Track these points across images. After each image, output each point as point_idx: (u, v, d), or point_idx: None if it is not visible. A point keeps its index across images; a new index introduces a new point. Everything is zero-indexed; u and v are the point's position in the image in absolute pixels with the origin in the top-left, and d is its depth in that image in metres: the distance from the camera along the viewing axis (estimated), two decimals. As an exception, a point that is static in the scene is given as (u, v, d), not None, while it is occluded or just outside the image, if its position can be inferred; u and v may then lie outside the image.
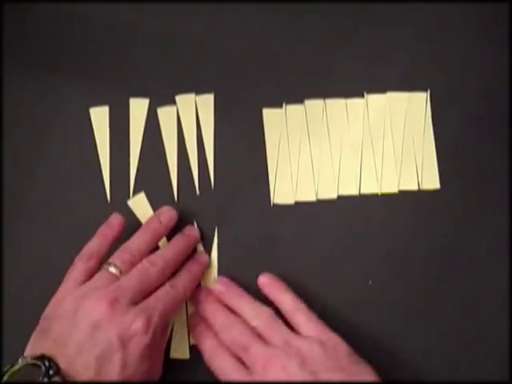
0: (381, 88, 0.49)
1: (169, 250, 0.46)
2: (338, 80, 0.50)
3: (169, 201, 0.50)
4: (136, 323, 0.42)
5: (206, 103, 0.50)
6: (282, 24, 0.51)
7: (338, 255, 0.48)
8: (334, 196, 0.49)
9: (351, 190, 0.49)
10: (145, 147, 0.51)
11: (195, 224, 0.49)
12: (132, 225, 0.48)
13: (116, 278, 0.44)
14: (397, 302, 0.47)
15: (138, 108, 0.51)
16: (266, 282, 0.46)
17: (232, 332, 0.44)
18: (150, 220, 0.48)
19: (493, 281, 0.47)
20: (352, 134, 0.49)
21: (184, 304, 0.48)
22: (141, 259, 0.45)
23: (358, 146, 0.49)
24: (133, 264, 0.45)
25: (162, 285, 0.45)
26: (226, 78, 0.51)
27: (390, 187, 0.48)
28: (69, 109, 0.52)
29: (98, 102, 0.52)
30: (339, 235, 0.48)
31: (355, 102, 0.49)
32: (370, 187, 0.48)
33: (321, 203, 0.49)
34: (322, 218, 0.48)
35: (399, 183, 0.48)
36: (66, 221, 0.50)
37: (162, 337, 0.44)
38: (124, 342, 0.41)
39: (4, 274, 0.50)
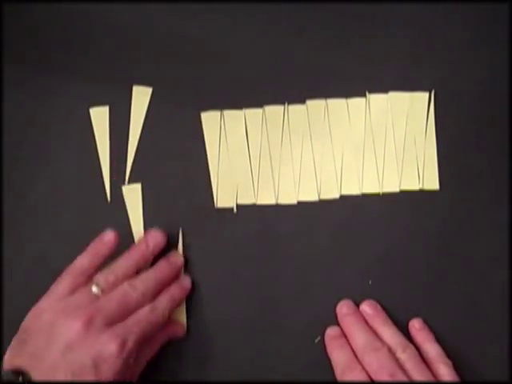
0: (382, 88, 0.49)
1: (152, 276, 0.46)
2: (340, 80, 0.50)
3: (169, 200, 0.50)
4: (110, 346, 0.42)
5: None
6: (283, 24, 0.51)
7: (338, 255, 0.48)
8: (337, 196, 0.49)
9: (353, 189, 0.49)
10: (145, 147, 0.51)
11: (180, 232, 0.49)
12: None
13: (97, 297, 0.44)
14: (397, 302, 0.47)
15: (139, 106, 0.51)
16: (418, 326, 0.46)
17: (379, 355, 0.43)
18: (139, 244, 0.48)
19: (493, 281, 0.47)
20: (354, 133, 0.49)
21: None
22: (124, 281, 0.45)
23: (359, 145, 0.49)
24: (116, 286, 0.45)
25: (141, 306, 0.45)
26: (227, 78, 0.51)
27: (392, 187, 0.48)
28: (69, 109, 0.52)
29: (98, 102, 0.52)
30: (340, 235, 0.48)
31: (357, 102, 0.50)
32: (372, 187, 0.48)
33: (322, 203, 0.49)
34: (324, 218, 0.48)
35: (400, 183, 0.48)
36: (65, 221, 0.50)
37: (135, 360, 0.44)
38: (97, 364, 0.41)
39: (4, 273, 0.50)
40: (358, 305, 0.47)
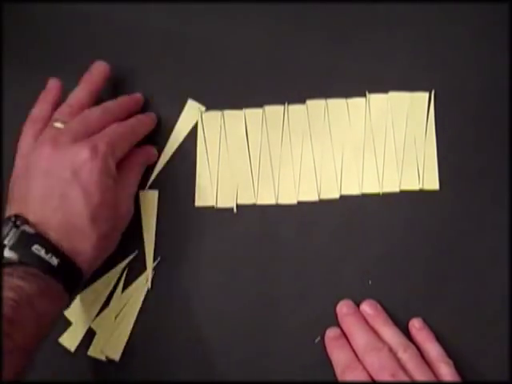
0: (382, 88, 0.49)
1: (110, 102, 0.48)
2: (340, 80, 0.50)
3: (169, 199, 0.50)
4: (82, 153, 0.43)
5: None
6: (283, 25, 0.51)
7: (338, 255, 0.48)
8: (337, 196, 0.49)
9: (353, 189, 0.49)
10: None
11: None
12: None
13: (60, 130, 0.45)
14: (397, 301, 0.47)
15: (187, 121, 0.51)
16: (418, 326, 0.46)
17: (381, 355, 0.43)
18: (84, 75, 0.49)
19: (493, 281, 0.47)
20: (354, 133, 0.49)
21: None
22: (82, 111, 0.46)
23: (359, 145, 0.49)
24: (74, 115, 0.46)
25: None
26: (228, 78, 0.51)
27: (392, 187, 0.48)
28: (69, 109, 0.52)
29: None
30: (340, 235, 0.48)
31: (357, 102, 0.50)
32: (372, 187, 0.48)
33: (322, 203, 0.49)
34: (324, 218, 0.48)
35: (400, 183, 0.48)
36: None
37: (114, 164, 0.45)
38: (76, 172, 0.42)
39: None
40: (358, 305, 0.47)
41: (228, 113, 0.51)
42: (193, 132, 0.51)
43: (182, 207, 0.50)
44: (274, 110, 0.50)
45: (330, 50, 0.50)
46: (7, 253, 0.40)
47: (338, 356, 0.45)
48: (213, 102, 0.51)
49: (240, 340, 0.48)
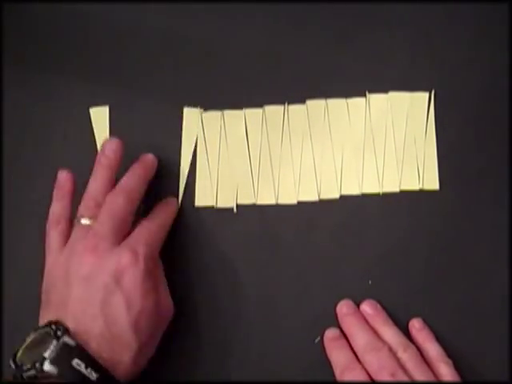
0: (382, 88, 0.49)
1: (127, 178, 0.46)
2: (340, 80, 0.50)
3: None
4: (123, 258, 0.42)
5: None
6: (283, 24, 0.51)
7: (338, 255, 0.48)
8: (337, 196, 0.49)
9: (353, 189, 0.49)
10: (145, 147, 0.50)
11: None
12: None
13: (90, 227, 0.44)
14: (397, 301, 0.47)
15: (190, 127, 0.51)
16: (418, 326, 0.46)
17: (380, 355, 0.43)
18: (98, 159, 0.47)
19: (493, 281, 0.47)
20: (354, 133, 0.49)
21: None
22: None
23: (359, 145, 0.49)
24: (100, 206, 0.45)
25: (137, 223, 0.45)
26: (228, 78, 0.51)
27: (392, 187, 0.48)
28: (69, 109, 0.52)
29: (98, 102, 0.52)
30: (340, 235, 0.48)
31: (357, 102, 0.50)
32: (372, 187, 0.48)
33: (322, 203, 0.49)
34: (324, 218, 0.48)
35: (400, 183, 0.48)
36: (66, 221, 0.50)
37: (156, 264, 0.44)
38: (118, 280, 0.41)
39: (4, 273, 0.50)
40: (358, 305, 0.47)
41: (228, 113, 0.51)
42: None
43: (182, 207, 0.50)
44: (274, 110, 0.50)
45: (330, 49, 0.50)
46: (47, 366, 0.38)
47: (338, 357, 0.45)
48: (213, 102, 0.51)
49: (240, 340, 0.48)
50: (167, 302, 0.45)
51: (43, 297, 0.44)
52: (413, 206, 0.48)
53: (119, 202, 0.44)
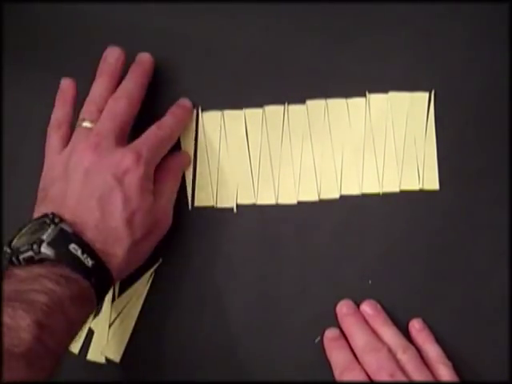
0: (382, 88, 0.49)
1: (127, 82, 0.47)
2: (340, 80, 0.50)
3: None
4: (126, 159, 0.43)
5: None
6: (283, 25, 0.51)
7: (338, 255, 0.48)
8: (337, 196, 0.49)
9: (353, 189, 0.49)
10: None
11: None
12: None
13: (91, 130, 0.44)
14: (397, 301, 0.47)
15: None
16: (418, 327, 0.46)
17: (380, 355, 0.43)
18: (100, 66, 0.48)
19: (493, 281, 0.47)
20: (354, 133, 0.49)
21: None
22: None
23: (359, 145, 0.49)
24: (101, 111, 0.45)
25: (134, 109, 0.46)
26: (228, 78, 0.51)
27: (392, 187, 0.48)
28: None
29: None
30: (340, 235, 0.48)
31: (357, 102, 0.49)
32: (372, 187, 0.48)
33: (322, 203, 0.49)
34: (324, 218, 0.48)
35: (400, 183, 0.48)
36: (66, 221, 0.50)
37: (153, 169, 0.45)
38: (119, 178, 0.42)
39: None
40: (358, 305, 0.47)
41: (228, 113, 0.51)
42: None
43: (181, 207, 0.50)
44: (274, 110, 0.50)
45: (330, 50, 0.50)
46: (44, 249, 0.39)
47: (337, 357, 0.45)
48: (213, 102, 0.51)
49: (240, 340, 0.48)
50: (165, 208, 0.46)
51: (40, 194, 0.44)
52: (413, 206, 0.48)
53: (121, 104, 0.45)
